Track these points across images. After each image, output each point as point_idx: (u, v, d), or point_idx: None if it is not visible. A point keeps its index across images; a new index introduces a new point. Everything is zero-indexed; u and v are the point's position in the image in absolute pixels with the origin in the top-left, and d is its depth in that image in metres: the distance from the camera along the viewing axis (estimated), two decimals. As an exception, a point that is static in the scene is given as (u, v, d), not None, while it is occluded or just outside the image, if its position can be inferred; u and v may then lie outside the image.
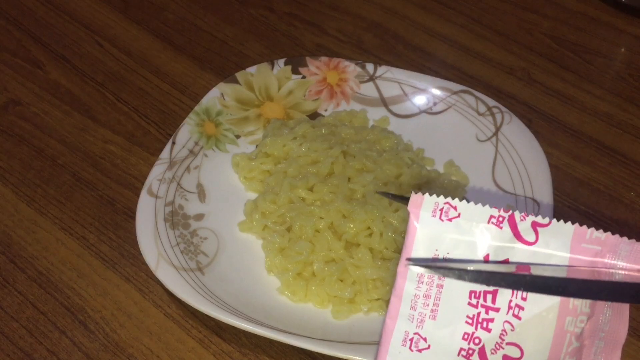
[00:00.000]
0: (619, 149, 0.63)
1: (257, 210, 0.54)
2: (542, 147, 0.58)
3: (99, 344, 0.49)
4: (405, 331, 0.36)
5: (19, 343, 0.49)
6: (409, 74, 0.63)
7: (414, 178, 0.55)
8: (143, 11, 0.74)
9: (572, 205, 0.59)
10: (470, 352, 0.35)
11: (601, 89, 0.68)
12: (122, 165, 0.60)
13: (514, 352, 0.35)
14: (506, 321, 0.35)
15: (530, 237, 0.36)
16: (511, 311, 0.35)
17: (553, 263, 0.35)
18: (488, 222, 0.35)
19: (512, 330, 0.35)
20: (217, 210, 0.55)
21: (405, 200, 0.37)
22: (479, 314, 0.35)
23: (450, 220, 0.35)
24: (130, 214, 0.56)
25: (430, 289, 0.35)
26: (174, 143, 0.57)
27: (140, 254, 0.50)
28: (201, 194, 0.56)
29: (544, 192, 0.55)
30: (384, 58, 0.70)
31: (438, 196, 0.36)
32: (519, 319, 0.35)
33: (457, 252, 0.35)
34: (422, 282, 0.35)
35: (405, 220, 0.51)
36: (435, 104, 0.62)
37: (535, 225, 0.36)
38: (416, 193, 0.36)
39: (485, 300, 0.35)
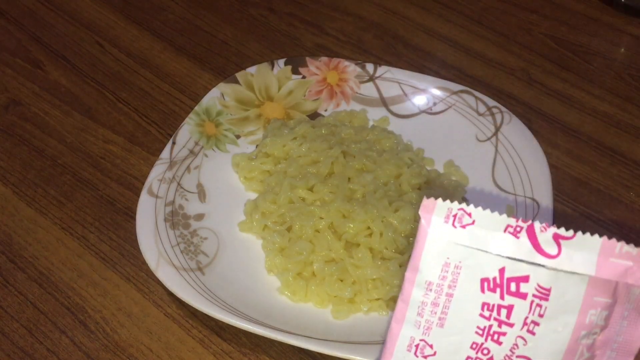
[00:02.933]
0: (619, 149, 0.63)
1: (257, 210, 0.54)
2: (541, 147, 0.58)
3: (99, 344, 0.49)
4: (411, 337, 0.35)
5: (20, 343, 0.49)
6: (408, 74, 0.63)
7: (414, 178, 0.55)
8: (143, 11, 0.74)
9: (571, 205, 0.59)
10: None
11: (601, 89, 0.68)
12: (123, 165, 0.60)
13: None
14: (519, 336, 0.34)
15: (552, 250, 0.33)
16: (526, 327, 0.34)
17: (576, 280, 0.33)
18: (504, 231, 0.33)
19: (524, 344, 0.34)
20: (217, 210, 0.55)
21: None
22: (490, 326, 0.34)
23: (463, 227, 0.33)
24: (130, 214, 0.56)
25: (438, 297, 0.34)
26: (174, 143, 0.57)
27: (140, 253, 0.50)
28: (201, 194, 0.56)
29: (544, 192, 0.55)
30: (383, 58, 0.70)
31: (452, 201, 0.34)
32: (533, 334, 0.34)
33: (469, 262, 0.34)
34: (431, 290, 0.34)
35: (405, 220, 0.51)
36: (435, 104, 0.62)
37: (557, 237, 0.33)
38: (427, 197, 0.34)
39: (499, 314, 0.34)
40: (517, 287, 0.33)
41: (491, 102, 0.61)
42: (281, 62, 0.63)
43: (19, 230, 0.55)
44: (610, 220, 0.58)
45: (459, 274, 0.33)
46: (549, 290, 0.33)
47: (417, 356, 0.35)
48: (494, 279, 0.33)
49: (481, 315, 0.34)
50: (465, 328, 0.34)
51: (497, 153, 0.59)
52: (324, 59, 0.64)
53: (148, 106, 0.65)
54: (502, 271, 0.33)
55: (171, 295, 0.50)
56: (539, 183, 0.56)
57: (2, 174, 0.59)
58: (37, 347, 0.49)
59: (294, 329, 0.47)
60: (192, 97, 0.65)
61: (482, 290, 0.34)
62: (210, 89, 0.61)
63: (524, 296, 0.33)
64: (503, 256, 0.33)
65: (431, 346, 0.34)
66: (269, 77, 0.62)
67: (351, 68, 0.63)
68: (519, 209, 0.55)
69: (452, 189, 0.57)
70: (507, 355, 0.34)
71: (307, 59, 0.64)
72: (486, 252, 0.33)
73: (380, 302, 0.50)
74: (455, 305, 0.34)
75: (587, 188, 0.60)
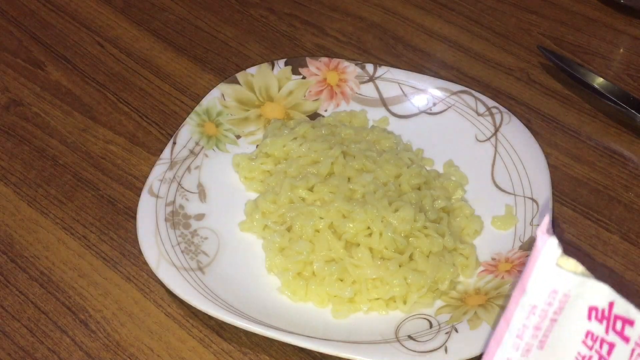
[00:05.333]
0: (618, 149, 0.63)
1: (257, 210, 0.54)
2: (541, 147, 0.58)
3: (100, 344, 0.49)
4: (508, 358, 0.33)
5: (20, 342, 0.49)
6: (408, 74, 0.64)
7: (414, 178, 0.55)
8: (144, 12, 0.74)
9: (571, 205, 0.59)
10: None
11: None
12: (123, 166, 0.60)
13: None
14: None
15: None
16: None
17: None
18: None
19: None
20: (217, 210, 0.55)
21: None
22: (591, 357, 0.32)
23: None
24: (131, 214, 0.56)
25: (542, 322, 0.32)
26: (174, 143, 0.57)
27: (141, 253, 0.50)
28: (202, 194, 0.56)
29: (543, 192, 0.55)
30: (383, 59, 0.70)
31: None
32: None
33: (579, 290, 0.32)
34: (534, 314, 0.32)
35: (405, 219, 0.51)
36: (434, 104, 0.62)
37: None
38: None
39: (601, 347, 0.32)
40: (622, 327, 0.31)
41: (490, 103, 0.61)
42: (281, 62, 0.63)
43: (19, 230, 0.55)
44: (610, 220, 0.58)
45: (566, 302, 0.32)
46: None
47: None
48: (603, 310, 0.31)
49: (584, 342, 0.32)
50: (566, 353, 0.33)
51: (497, 153, 0.59)
52: (324, 59, 0.64)
53: (149, 106, 0.65)
54: (611, 305, 0.31)
55: (172, 295, 0.50)
56: (538, 183, 0.56)
57: (3, 174, 0.59)
58: (38, 346, 0.49)
59: (294, 329, 0.47)
60: (192, 97, 0.66)
61: (589, 318, 0.32)
62: (210, 90, 0.61)
63: (626, 339, 0.31)
64: (614, 291, 0.31)
65: None
66: (269, 77, 0.63)
67: (351, 68, 0.64)
68: (518, 209, 0.55)
69: (452, 189, 0.57)
70: None
71: (307, 59, 0.64)
72: (598, 281, 0.31)
73: (380, 302, 0.50)
74: (558, 330, 0.32)
75: (587, 188, 0.60)
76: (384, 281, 0.50)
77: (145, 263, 0.50)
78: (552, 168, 0.59)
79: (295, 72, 0.63)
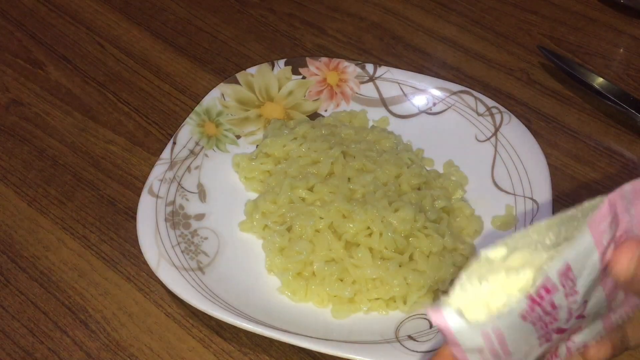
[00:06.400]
0: (618, 149, 0.63)
1: (257, 210, 0.54)
2: (541, 147, 0.58)
3: (100, 343, 0.49)
4: None
5: (20, 342, 0.49)
6: (408, 74, 0.64)
7: (414, 178, 0.55)
8: (144, 12, 0.74)
9: (571, 205, 0.59)
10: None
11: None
12: (123, 166, 0.60)
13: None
14: (569, 309, 0.34)
15: None
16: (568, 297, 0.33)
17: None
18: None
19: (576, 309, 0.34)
20: (217, 210, 0.55)
21: None
22: (547, 333, 0.33)
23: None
24: (131, 214, 0.56)
25: (492, 346, 0.32)
26: (174, 143, 0.57)
27: (141, 253, 0.50)
28: (202, 194, 0.56)
29: (543, 193, 0.55)
30: (383, 59, 0.70)
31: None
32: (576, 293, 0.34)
33: (503, 320, 0.32)
34: (482, 352, 0.32)
35: (405, 220, 0.51)
36: (434, 104, 0.62)
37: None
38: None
39: (546, 313, 0.33)
40: (547, 291, 0.32)
41: (490, 103, 0.61)
42: (281, 62, 0.63)
43: (20, 230, 0.55)
44: (609, 220, 0.58)
45: (501, 332, 0.32)
46: (567, 266, 0.33)
47: None
48: (530, 307, 0.32)
49: (539, 338, 0.33)
50: (531, 350, 0.34)
51: (497, 153, 0.59)
52: (324, 59, 0.64)
53: (149, 106, 0.65)
54: (531, 297, 0.32)
55: (172, 294, 0.50)
56: (538, 183, 0.56)
57: (3, 174, 0.59)
58: (38, 346, 0.49)
59: (294, 329, 0.47)
60: (192, 97, 0.66)
61: (526, 321, 0.32)
62: (210, 89, 0.61)
63: (555, 289, 0.33)
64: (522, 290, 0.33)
65: None
66: (269, 77, 0.63)
67: (351, 68, 0.64)
68: (518, 209, 0.55)
69: (452, 189, 0.57)
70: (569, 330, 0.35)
71: (307, 59, 0.64)
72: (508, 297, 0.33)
73: (380, 302, 0.50)
74: (511, 336, 0.33)
75: (587, 188, 0.60)
76: (384, 281, 0.50)
77: (145, 263, 0.50)
78: (552, 168, 0.59)
79: (295, 72, 0.63)
